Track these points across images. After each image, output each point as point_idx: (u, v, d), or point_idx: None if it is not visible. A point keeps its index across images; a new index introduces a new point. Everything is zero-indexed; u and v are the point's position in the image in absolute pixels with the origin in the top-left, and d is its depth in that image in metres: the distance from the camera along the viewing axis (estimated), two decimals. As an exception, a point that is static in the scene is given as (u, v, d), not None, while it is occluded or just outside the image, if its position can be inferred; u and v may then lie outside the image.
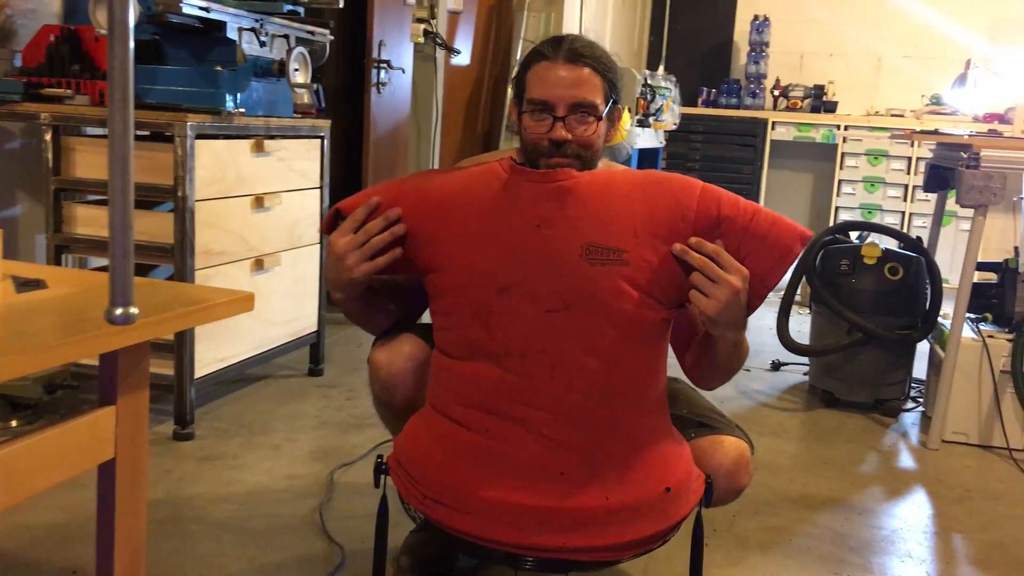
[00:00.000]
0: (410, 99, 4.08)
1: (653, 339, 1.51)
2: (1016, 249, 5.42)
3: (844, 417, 3.17)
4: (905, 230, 5.98)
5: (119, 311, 0.70)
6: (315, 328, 3.18)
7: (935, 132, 3.45)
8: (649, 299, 1.45)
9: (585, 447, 1.44)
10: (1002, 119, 6.09)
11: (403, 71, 4.10)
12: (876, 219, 6.24)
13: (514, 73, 1.65)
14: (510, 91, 4.63)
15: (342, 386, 3.14)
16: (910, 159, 6.19)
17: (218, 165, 2.58)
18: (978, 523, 2.36)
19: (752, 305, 1.49)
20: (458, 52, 4.16)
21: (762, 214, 1.49)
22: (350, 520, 2.12)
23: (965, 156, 2.78)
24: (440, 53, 3.96)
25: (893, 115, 6.42)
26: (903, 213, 6.24)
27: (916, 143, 6.08)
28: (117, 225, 0.66)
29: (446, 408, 1.52)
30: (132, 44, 0.66)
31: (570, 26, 4.81)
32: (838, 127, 6.27)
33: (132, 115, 0.64)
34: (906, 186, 6.22)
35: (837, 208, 6.35)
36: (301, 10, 2.89)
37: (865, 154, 6.26)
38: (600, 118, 1.54)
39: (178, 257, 2.46)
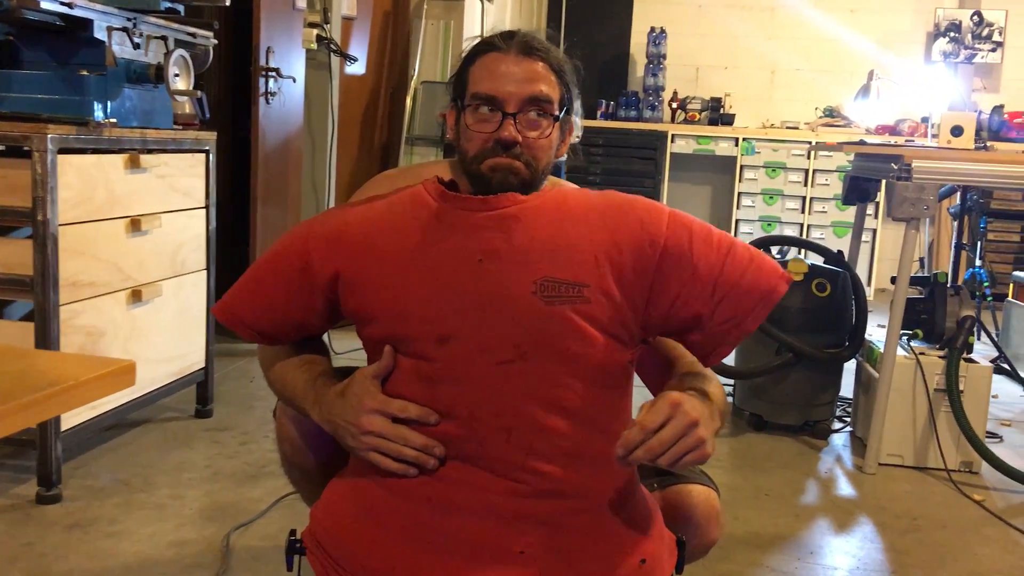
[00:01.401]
0: (303, 110, 3.78)
1: (620, 385, 1.28)
2: (922, 260, 5.47)
3: (775, 441, 3.03)
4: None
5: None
6: (202, 364, 2.84)
7: (860, 143, 3.36)
8: (614, 340, 1.23)
9: (549, 520, 1.20)
10: (893, 130, 6.18)
11: (294, 80, 3.79)
12: (776, 231, 6.23)
13: (452, 71, 1.39)
14: (409, 101, 4.37)
15: (235, 428, 2.82)
16: (807, 171, 6.21)
17: (86, 184, 2.24)
18: (932, 556, 2.23)
19: (722, 352, 1.29)
20: (355, 59, 3.88)
21: (738, 248, 1.27)
22: (252, 596, 1.83)
23: (896, 167, 2.67)
24: (335, 61, 3.67)
25: (788, 127, 6.43)
26: (801, 225, 6.25)
27: (813, 155, 6.10)
28: None
29: (378, 471, 1.26)
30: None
31: (471, 34, 4.59)
32: (737, 140, 6.24)
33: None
34: (804, 198, 6.23)
35: (737, 221, 6.32)
36: (181, 8, 2.57)
37: (763, 166, 6.25)
38: (557, 118, 1.30)
39: (38, 291, 2.11)
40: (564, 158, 1.43)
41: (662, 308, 1.24)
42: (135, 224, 2.43)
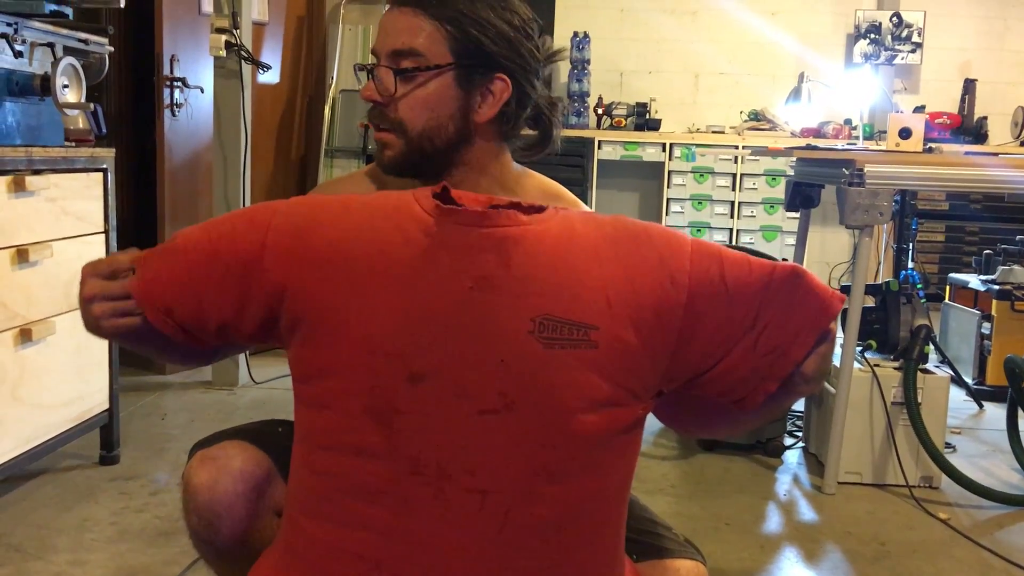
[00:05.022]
0: (212, 122, 3.50)
1: (627, 447, 1.07)
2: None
3: (727, 463, 2.88)
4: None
5: None
6: (106, 405, 2.56)
7: (807, 147, 3.26)
8: (625, 393, 1.02)
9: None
10: (818, 133, 6.15)
11: (202, 90, 3.53)
12: (706, 236, 6.15)
13: None
14: (327, 111, 4.12)
15: (144, 476, 2.55)
16: (735, 175, 6.15)
17: (-40, 211, 1.97)
18: (907, 586, 2.10)
19: (765, 389, 1.06)
20: (268, 67, 3.62)
21: (782, 267, 1.06)
22: None
23: (847, 173, 2.55)
24: (246, 69, 3.41)
25: (714, 131, 6.36)
26: (731, 230, 6.18)
27: (740, 159, 6.05)
28: None
29: (310, 548, 1.04)
30: None
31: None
32: (664, 146, 6.15)
33: None
34: (732, 203, 6.16)
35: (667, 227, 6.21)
36: (69, 12, 2.30)
37: (691, 172, 6.16)
38: (417, 71, 1.16)
39: (-95, 337, 1.83)
40: (516, 132, 1.27)
41: (694, 355, 1.03)
42: (22, 254, 2.16)
